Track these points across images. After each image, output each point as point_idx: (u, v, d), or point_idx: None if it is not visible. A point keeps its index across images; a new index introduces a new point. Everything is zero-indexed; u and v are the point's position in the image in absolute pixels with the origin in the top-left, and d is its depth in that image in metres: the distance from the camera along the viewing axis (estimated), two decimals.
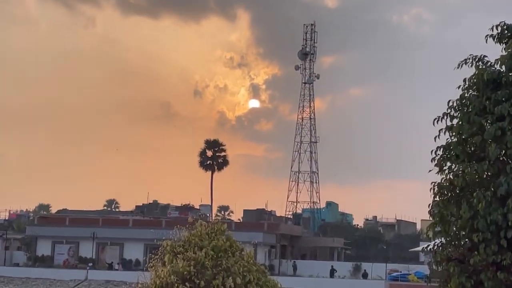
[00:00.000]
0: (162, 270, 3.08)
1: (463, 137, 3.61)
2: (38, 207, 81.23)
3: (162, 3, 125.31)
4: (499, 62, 3.55)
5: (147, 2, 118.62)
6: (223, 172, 52.14)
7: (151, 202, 69.76)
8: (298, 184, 65.14)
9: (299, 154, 65.44)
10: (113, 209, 74.22)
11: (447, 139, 3.77)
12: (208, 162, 50.93)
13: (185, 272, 2.99)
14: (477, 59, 3.64)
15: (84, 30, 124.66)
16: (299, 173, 65.64)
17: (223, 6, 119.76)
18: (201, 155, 51.21)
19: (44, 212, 70.29)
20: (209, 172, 50.59)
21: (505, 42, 3.72)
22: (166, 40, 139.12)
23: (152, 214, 62.19)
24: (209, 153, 50.59)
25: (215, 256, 3.22)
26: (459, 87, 3.72)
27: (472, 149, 3.62)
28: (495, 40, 3.78)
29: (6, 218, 69.38)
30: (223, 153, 51.21)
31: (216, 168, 51.05)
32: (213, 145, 51.14)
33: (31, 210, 76.36)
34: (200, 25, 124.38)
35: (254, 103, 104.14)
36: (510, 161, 3.34)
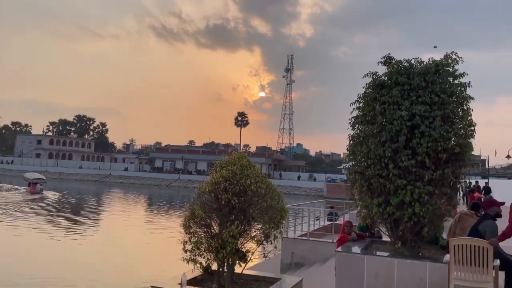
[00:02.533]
0: (214, 175, 5.15)
1: (364, 112, 4.77)
2: (155, 143, 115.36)
3: (217, 42, 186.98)
4: (384, 75, 4.75)
5: (210, 41, 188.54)
6: (246, 128, 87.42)
7: (210, 142, 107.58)
8: (283, 134, 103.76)
9: (284, 120, 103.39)
10: (191, 145, 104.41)
11: (357, 113, 4.90)
12: (239, 123, 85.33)
13: (226, 176, 5.02)
14: (372, 73, 4.80)
15: (178, 57, 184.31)
16: (283, 129, 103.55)
17: (247, 45, 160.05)
18: (236, 119, 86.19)
19: (158, 146, 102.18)
20: (239, 128, 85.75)
21: (387, 65, 4.85)
22: (219, 62, 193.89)
23: (211, 148, 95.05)
24: (239, 118, 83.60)
25: (241, 168, 5.24)
26: (363, 87, 4.66)
27: (368, 118, 4.72)
28: (383, 64, 4.88)
29: (140, 148, 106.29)
30: (246, 118, 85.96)
31: (242, 125, 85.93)
32: (241, 114, 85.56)
33: (152, 144, 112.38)
34: (236, 54, 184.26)
35: (262, 94, 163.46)
36: (388, 124, 4.38)
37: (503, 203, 4.54)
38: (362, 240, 5.23)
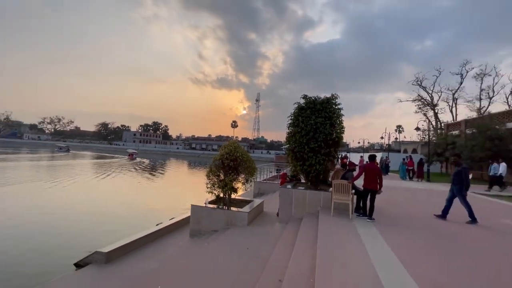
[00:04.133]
0: (221, 151, 8.33)
1: (293, 121, 7.43)
2: (192, 135, 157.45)
3: (222, 86, 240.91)
4: (303, 103, 7.61)
5: (218, 85, 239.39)
6: (237, 128, 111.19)
7: (219, 135, 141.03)
8: (254, 131, 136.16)
9: (255, 124, 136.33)
10: (210, 136, 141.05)
11: (290, 121, 7.69)
12: (233, 125, 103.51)
13: (227, 151, 8.17)
14: (298, 103, 7.52)
15: (202, 93, 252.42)
16: (255, 129, 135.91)
17: (237, 87, 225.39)
18: (231, 124, 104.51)
19: (193, 136, 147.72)
20: (233, 128, 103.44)
21: (304, 98, 7.68)
22: (224, 96, 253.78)
23: (220, 138, 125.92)
24: (233, 123, 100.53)
25: (234, 148, 8.54)
26: (293, 109, 7.85)
27: (296, 124, 7.24)
28: (303, 98, 7.62)
29: (184, 138, 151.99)
30: (236, 123, 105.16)
31: (235, 127, 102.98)
32: (234, 121, 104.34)
33: (190, 136, 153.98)
34: (231, 92, 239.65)
35: (244, 112, 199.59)
36: (304, 127, 7.13)
37: (356, 164, 8.36)
38: (292, 181, 8.87)
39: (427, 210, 7.97)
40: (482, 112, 33.70)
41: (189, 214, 8.06)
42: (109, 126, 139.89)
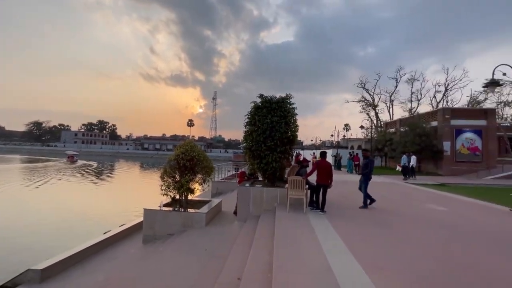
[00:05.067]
0: (176, 151, 7.97)
1: (250, 120, 7.58)
2: (144, 134, 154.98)
3: (177, 84, 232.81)
4: (260, 102, 7.83)
5: (173, 83, 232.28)
6: (193, 127, 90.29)
7: (174, 134, 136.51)
8: (211, 130, 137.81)
9: (212, 123, 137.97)
10: (164, 136, 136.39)
11: (247, 120, 7.89)
12: (189, 124, 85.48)
13: (182, 151, 7.92)
14: (254, 101, 7.78)
15: (155, 90, 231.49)
16: (212, 128, 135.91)
17: (193, 85, 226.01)
18: (187, 122, 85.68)
19: (145, 136, 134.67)
20: (190, 127, 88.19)
21: (261, 98, 7.93)
22: (179, 94, 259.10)
23: (175, 137, 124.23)
24: (189, 122, 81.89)
25: (190, 147, 8.28)
26: (250, 108, 8.08)
27: (253, 123, 7.39)
28: (259, 97, 7.84)
29: (135, 137, 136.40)
30: (193, 122, 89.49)
31: (191, 125, 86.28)
32: (190, 120, 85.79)
33: (142, 135, 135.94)
34: (187, 89, 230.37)
35: (200, 110, 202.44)
36: (261, 126, 7.43)
37: (309, 161, 8.90)
38: (250, 180, 9.02)
39: (378, 204, 8.81)
40: (412, 112, 38.65)
41: (141, 219, 7.56)
42: (43, 125, 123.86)
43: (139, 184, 29.10)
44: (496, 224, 6.28)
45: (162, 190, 7.47)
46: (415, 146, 21.33)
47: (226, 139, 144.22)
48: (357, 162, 21.75)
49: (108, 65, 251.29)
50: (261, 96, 8.30)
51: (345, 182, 14.49)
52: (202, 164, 7.76)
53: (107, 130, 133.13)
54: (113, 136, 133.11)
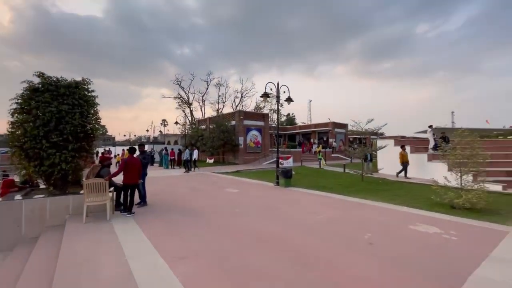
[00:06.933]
0: None
1: (22, 106, 5.74)
2: None
3: None
4: (38, 83, 5.98)
5: None
6: None
7: None
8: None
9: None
10: None
11: (15, 108, 5.86)
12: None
13: None
14: (29, 81, 5.90)
15: None
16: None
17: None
18: None
19: None
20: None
21: (40, 77, 6.10)
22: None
23: None
24: None
25: None
26: (21, 89, 5.86)
27: (26, 110, 5.77)
28: (38, 76, 6.07)
29: None
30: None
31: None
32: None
33: None
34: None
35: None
36: (41, 115, 5.57)
37: (111, 157, 7.88)
38: (24, 189, 6.55)
39: (185, 196, 9.27)
40: (219, 112, 45.44)
41: None
42: None
43: None
44: (266, 195, 8.75)
45: None
46: (220, 141, 25.21)
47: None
48: (173, 157, 22.25)
49: None
50: (41, 75, 6.17)
51: (161, 178, 14.33)
52: None
53: None
54: None
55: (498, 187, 9.08)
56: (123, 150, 31.02)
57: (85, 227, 5.26)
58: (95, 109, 7.00)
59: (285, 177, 10.75)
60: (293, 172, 12.24)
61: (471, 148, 7.03)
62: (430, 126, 14.24)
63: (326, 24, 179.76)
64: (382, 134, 32.21)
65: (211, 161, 23.68)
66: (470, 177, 7.08)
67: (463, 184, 6.96)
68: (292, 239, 4.35)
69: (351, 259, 3.56)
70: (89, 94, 6.87)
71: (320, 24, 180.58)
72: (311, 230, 4.86)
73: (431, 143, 13.54)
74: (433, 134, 13.82)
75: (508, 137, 24.90)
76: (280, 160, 13.87)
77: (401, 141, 15.23)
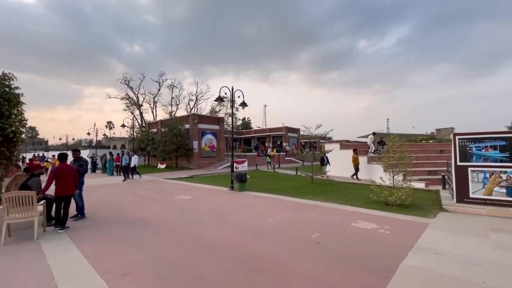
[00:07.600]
0: None
1: None
2: None
3: None
4: None
5: None
6: None
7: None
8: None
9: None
10: None
11: None
12: None
13: None
14: None
15: None
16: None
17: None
18: None
19: None
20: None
21: None
22: None
23: None
24: None
25: None
26: None
27: None
28: None
29: None
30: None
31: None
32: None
33: None
34: None
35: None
36: None
37: (43, 168, 6.87)
38: None
39: (131, 205, 8.56)
40: (172, 115, 43.48)
41: None
42: None
43: None
44: (220, 201, 8.62)
45: None
46: (173, 145, 24.07)
47: None
48: (118, 163, 20.46)
49: None
50: None
51: (106, 186, 13.01)
52: None
53: None
54: None
55: (421, 185, 10.55)
56: (53, 156, 27.43)
57: (3, 249, 4.45)
58: (19, 109, 6.07)
59: (240, 181, 10.78)
60: (248, 176, 12.35)
61: (401, 151, 8.03)
62: (374, 133, 15.87)
63: (280, 34, 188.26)
64: (330, 138, 34.82)
65: (163, 166, 22.42)
66: (400, 177, 8.07)
67: (395, 183, 7.88)
68: (244, 245, 4.35)
69: (300, 259, 3.71)
70: (11, 91, 5.91)
71: (275, 33, 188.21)
72: (263, 234, 4.94)
73: (372, 148, 15.08)
74: (374, 140, 15.41)
75: (430, 141, 29.24)
76: (235, 164, 13.86)
77: (346, 145, 16.64)
